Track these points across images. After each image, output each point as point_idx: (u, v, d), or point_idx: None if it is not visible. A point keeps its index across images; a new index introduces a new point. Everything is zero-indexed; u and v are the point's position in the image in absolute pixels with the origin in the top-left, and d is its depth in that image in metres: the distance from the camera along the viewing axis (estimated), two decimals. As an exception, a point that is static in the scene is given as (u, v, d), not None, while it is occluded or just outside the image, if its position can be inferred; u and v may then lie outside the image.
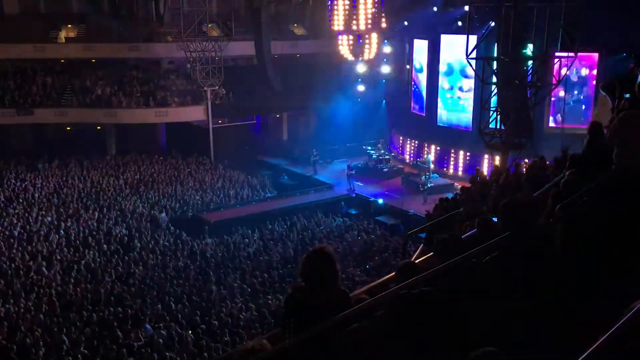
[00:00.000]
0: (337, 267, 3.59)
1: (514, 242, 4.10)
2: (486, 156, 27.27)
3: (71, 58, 35.39)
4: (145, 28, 36.17)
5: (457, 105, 30.12)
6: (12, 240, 21.42)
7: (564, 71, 21.85)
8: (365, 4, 30.62)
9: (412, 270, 4.38)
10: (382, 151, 32.19)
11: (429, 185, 27.15)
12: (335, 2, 31.48)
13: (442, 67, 30.18)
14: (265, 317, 15.42)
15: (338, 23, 31.71)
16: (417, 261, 7.22)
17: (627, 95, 7.94)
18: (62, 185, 28.58)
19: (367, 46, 31.45)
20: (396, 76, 34.32)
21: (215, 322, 15.06)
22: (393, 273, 7.68)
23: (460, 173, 29.70)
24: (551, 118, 27.18)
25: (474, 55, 21.59)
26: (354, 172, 29.47)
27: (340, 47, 32.20)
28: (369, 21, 30.92)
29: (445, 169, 30.59)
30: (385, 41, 33.01)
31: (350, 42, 31.91)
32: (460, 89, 29.82)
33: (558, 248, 4.10)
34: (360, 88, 34.22)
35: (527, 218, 4.25)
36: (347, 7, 31.08)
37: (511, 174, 14.64)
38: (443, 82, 30.38)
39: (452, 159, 30.46)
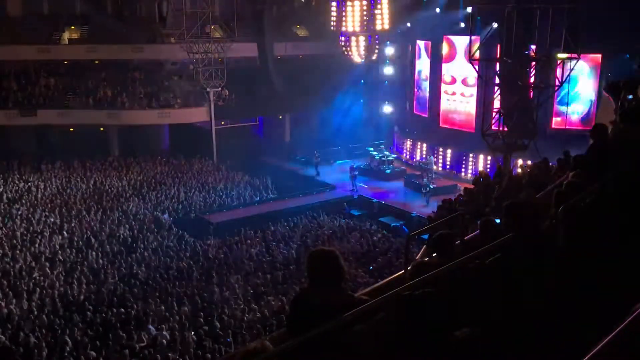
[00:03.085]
0: (343, 268, 3.58)
1: (516, 243, 4.09)
2: (489, 157, 27.27)
3: (74, 59, 35.46)
4: (148, 29, 36.20)
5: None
6: (15, 241, 21.47)
7: (567, 72, 21.82)
8: (368, 5, 30.61)
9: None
10: (385, 152, 32.19)
11: (431, 187, 27.13)
12: (338, 4, 31.47)
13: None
14: (267, 318, 15.41)
15: (340, 24, 31.69)
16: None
17: (630, 97, 7.95)
18: (65, 186, 28.64)
19: (369, 47, 31.43)
20: (399, 77, 34.33)
21: (217, 323, 15.06)
22: (397, 274, 7.69)
23: (463, 174, 29.72)
24: (554, 119, 27.15)
25: (477, 56, 21.58)
26: (357, 173, 29.49)
27: (343, 49, 32.19)
28: (372, 22, 30.89)
29: (447, 170, 30.59)
30: (388, 42, 33.01)
31: (353, 43, 31.89)
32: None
33: (561, 249, 4.09)
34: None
35: (530, 219, 4.24)
36: (349, 8, 31.07)
37: (514, 175, 14.64)
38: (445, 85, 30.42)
39: (455, 160, 30.46)
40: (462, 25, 27.53)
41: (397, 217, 25.68)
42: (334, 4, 31.04)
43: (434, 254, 5.35)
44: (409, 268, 4.81)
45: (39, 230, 22.62)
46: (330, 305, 3.45)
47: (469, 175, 28.49)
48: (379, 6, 30.66)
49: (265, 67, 35.64)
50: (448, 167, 30.76)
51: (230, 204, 27.52)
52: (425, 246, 11.57)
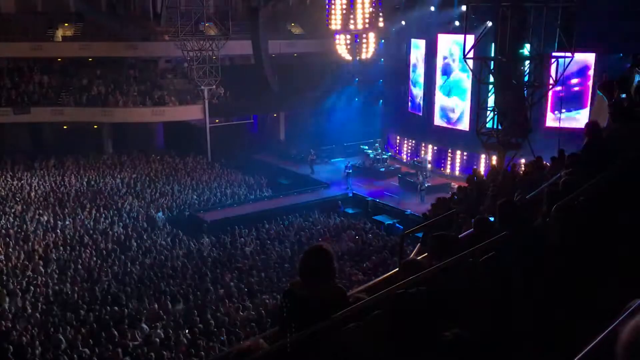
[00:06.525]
0: (334, 264, 3.60)
1: (510, 241, 4.10)
2: (483, 156, 27.30)
3: (68, 57, 35.31)
4: (142, 27, 36.10)
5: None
6: (8, 239, 21.37)
7: (561, 71, 21.86)
8: (363, 3, 30.59)
9: (416, 268, 4.38)
10: (379, 151, 32.21)
11: (425, 185, 27.16)
12: (333, 2, 31.45)
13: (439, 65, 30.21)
14: (262, 316, 15.40)
15: (335, 22, 31.68)
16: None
17: (624, 96, 7.97)
18: (58, 184, 28.53)
19: (364, 46, 31.44)
20: (393, 76, 34.35)
21: (212, 322, 15.04)
22: (391, 272, 7.69)
23: (457, 173, 29.76)
24: (548, 117, 27.19)
25: (471, 55, 21.59)
26: (351, 171, 29.49)
27: (338, 47, 32.19)
28: (367, 20, 30.90)
29: (442, 169, 30.63)
30: (383, 41, 32.99)
31: (348, 41, 31.89)
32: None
33: (554, 247, 4.10)
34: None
35: (524, 217, 4.25)
36: (344, 6, 31.06)
37: (508, 173, 14.67)
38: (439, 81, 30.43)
39: (449, 158, 30.51)
40: (457, 23, 27.52)
41: (392, 216, 25.71)
42: (344, 1, 30.99)
43: (429, 253, 5.35)
44: (399, 267, 4.82)
45: (32, 228, 22.53)
46: (321, 299, 3.46)
47: (463, 173, 28.52)
48: (373, 5, 30.69)
49: (259, 65, 35.59)
50: (445, 165, 30.82)
51: (224, 202, 27.48)
52: (419, 244, 11.59)
